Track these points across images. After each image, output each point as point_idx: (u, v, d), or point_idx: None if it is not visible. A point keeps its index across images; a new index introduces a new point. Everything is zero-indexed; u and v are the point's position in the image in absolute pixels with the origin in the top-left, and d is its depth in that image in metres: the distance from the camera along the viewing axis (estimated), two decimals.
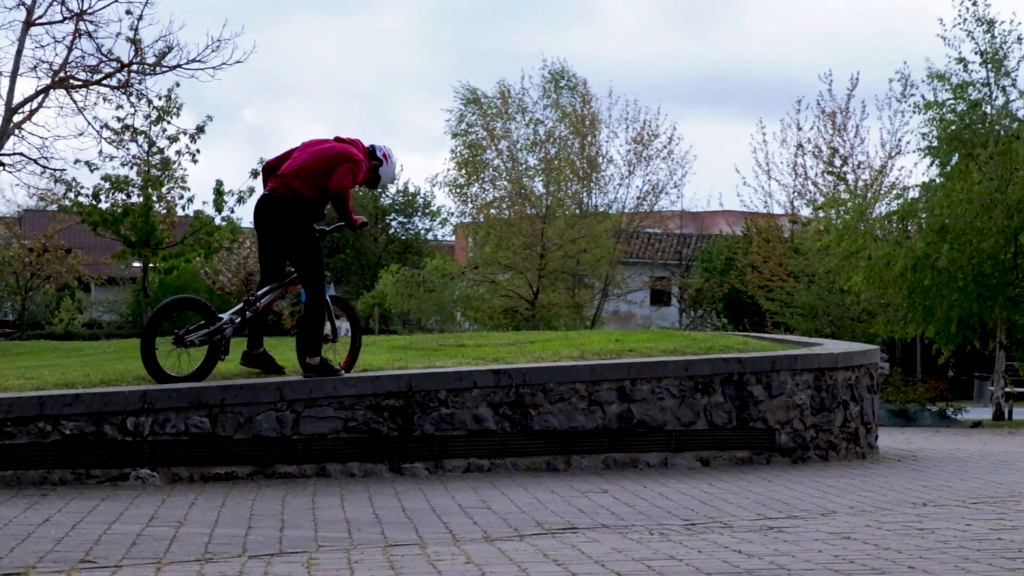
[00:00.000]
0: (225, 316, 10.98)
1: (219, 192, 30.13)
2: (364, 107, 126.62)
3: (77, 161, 29.18)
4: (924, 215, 28.34)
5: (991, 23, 28.33)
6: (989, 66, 28.33)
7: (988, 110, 28.32)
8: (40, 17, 26.13)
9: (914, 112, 29.08)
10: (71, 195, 29.31)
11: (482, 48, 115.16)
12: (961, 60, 28.24)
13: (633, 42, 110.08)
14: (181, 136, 29.55)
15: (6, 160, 26.59)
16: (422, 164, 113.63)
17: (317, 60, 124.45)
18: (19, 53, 25.93)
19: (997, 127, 28.09)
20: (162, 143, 29.58)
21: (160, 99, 29.00)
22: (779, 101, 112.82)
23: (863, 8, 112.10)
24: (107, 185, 29.15)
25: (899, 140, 40.98)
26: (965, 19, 28.38)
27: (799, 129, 42.41)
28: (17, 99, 26.46)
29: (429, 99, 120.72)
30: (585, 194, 45.19)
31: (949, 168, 28.38)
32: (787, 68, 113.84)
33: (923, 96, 28.68)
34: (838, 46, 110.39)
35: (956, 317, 28.21)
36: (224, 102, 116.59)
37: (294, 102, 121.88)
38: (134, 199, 29.39)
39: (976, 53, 28.39)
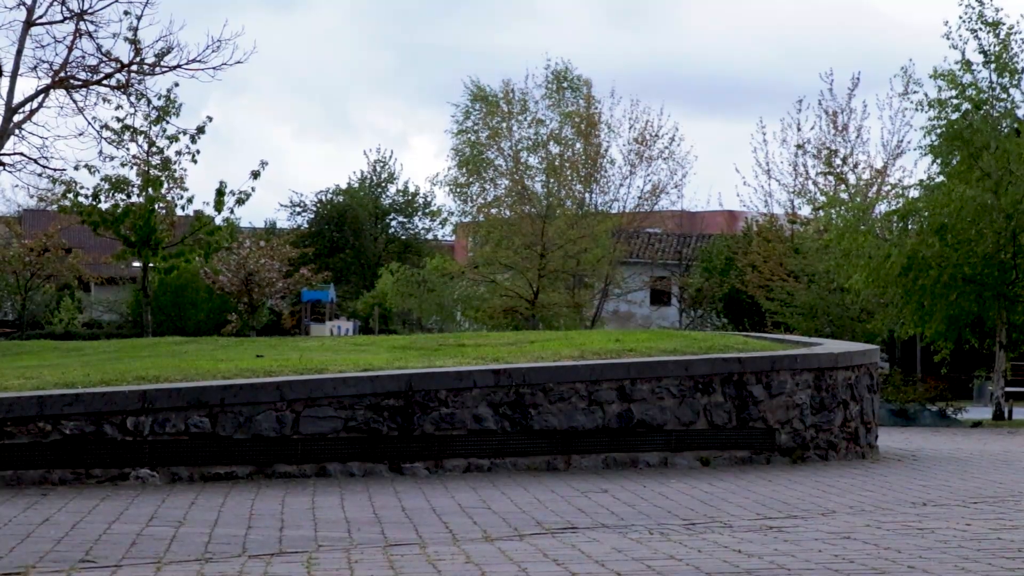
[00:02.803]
0: None
1: (220, 192, 30.13)
2: (323, 105, 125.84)
3: (77, 166, 29.18)
4: (925, 213, 28.35)
5: (997, 24, 28.32)
6: (992, 67, 28.34)
7: (990, 110, 28.31)
8: (40, 17, 26.14)
9: (917, 109, 29.06)
10: (71, 195, 29.30)
11: (425, 45, 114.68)
12: (966, 63, 28.23)
13: (574, 37, 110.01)
14: (181, 136, 29.53)
15: (6, 160, 26.61)
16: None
17: (268, 57, 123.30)
18: (19, 53, 25.94)
19: (1001, 127, 28.08)
20: (162, 143, 29.57)
21: (160, 99, 28.99)
22: (730, 97, 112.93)
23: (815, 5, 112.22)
24: (107, 186, 29.15)
25: (899, 141, 41.04)
26: (971, 18, 28.37)
27: (798, 130, 42.49)
28: (17, 99, 26.47)
29: (379, 97, 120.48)
30: (587, 194, 45.23)
31: (950, 168, 28.40)
32: (731, 64, 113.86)
33: (926, 94, 28.66)
34: (786, 42, 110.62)
35: (954, 316, 28.26)
36: (189, 102, 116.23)
37: (248, 100, 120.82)
38: (134, 199, 29.38)
39: (979, 52, 28.39)
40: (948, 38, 28.55)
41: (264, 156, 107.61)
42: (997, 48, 28.33)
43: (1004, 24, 28.40)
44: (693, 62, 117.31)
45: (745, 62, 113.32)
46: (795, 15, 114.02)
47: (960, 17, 28.52)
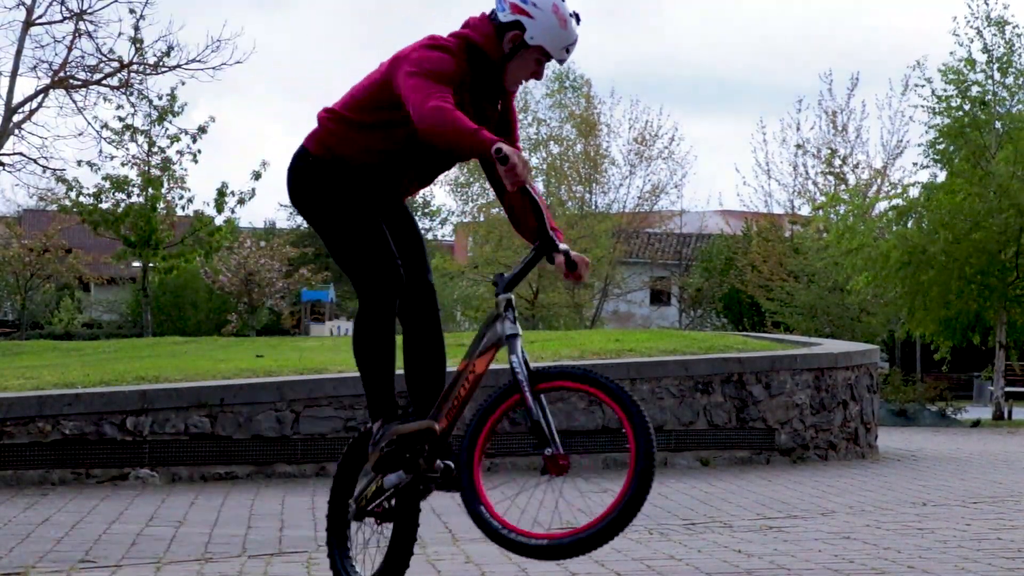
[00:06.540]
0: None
1: (221, 193, 30.15)
2: (314, 105, 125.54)
3: (80, 162, 29.25)
4: (923, 211, 28.37)
5: (1003, 24, 28.32)
6: (995, 66, 28.35)
7: (994, 109, 28.32)
8: (40, 17, 26.18)
9: (923, 108, 29.02)
10: (71, 195, 29.33)
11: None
12: (970, 61, 28.23)
13: None
14: (182, 136, 29.54)
15: (6, 160, 26.64)
16: None
17: (258, 56, 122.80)
18: (19, 53, 25.98)
19: (1001, 125, 28.10)
20: (163, 143, 29.58)
21: (161, 99, 29.00)
22: (724, 97, 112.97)
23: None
24: (107, 185, 29.17)
25: (899, 141, 41.08)
26: (976, 17, 28.39)
27: (798, 129, 42.65)
28: (17, 99, 26.51)
29: None
30: (587, 194, 45.27)
31: (953, 166, 28.42)
32: (724, 64, 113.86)
33: (933, 90, 28.61)
34: (779, 41, 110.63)
35: (954, 315, 28.31)
36: (182, 101, 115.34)
37: (239, 99, 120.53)
38: (134, 199, 29.41)
39: (983, 51, 28.39)
40: (956, 35, 28.60)
41: (256, 155, 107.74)
42: (1002, 48, 28.34)
43: (1009, 24, 28.41)
44: (682, 62, 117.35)
45: (737, 62, 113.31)
46: (787, 14, 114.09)
47: (965, 17, 28.57)
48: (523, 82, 5.49)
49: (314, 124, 5.55)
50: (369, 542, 5.64)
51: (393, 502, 5.55)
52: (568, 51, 5.39)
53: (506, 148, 4.91)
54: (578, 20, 5.38)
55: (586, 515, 8.22)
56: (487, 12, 5.40)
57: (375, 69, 5.47)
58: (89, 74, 26.58)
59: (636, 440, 5.07)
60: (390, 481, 5.43)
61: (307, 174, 5.45)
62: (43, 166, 27.29)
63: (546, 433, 5.28)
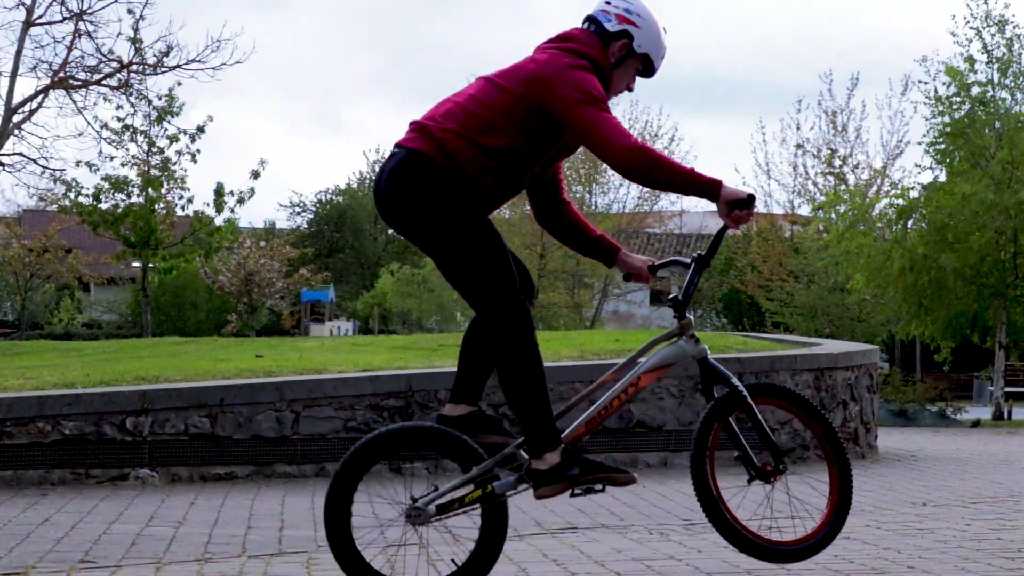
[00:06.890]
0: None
1: (219, 193, 30.15)
2: (312, 104, 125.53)
3: (79, 163, 29.26)
4: (924, 211, 28.37)
5: (1003, 23, 28.32)
6: (995, 66, 28.36)
7: (994, 109, 28.33)
8: (40, 17, 26.19)
9: (926, 103, 29.00)
10: (71, 195, 29.34)
11: (413, 45, 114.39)
12: (969, 60, 28.23)
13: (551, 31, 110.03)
14: (181, 136, 29.55)
15: (6, 160, 26.64)
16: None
17: (256, 55, 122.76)
18: (19, 53, 25.99)
19: (1000, 125, 28.10)
20: (162, 143, 29.59)
21: (160, 99, 29.01)
22: (719, 97, 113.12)
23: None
24: (107, 185, 29.18)
25: (899, 141, 41.07)
26: (976, 16, 28.40)
27: (798, 129, 42.63)
28: (17, 99, 26.52)
29: (369, 96, 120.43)
30: (587, 194, 45.25)
31: (953, 166, 28.43)
32: (720, 64, 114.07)
33: (936, 88, 28.62)
34: (776, 41, 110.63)
35: (954, 316, 28.31)
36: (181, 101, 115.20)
37: (237, 99, 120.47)
38: (134, 199, 29.43)
39: (983, 52, 28.40)
40: (954, 35, 28.62)
41: (255, 155, 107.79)
42: (1002, 48, 28.34)
43: (1010, 23, 28.42)
44: (682, 62, 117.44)
45: (737, 62, 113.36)
46: (787, 14, 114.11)
47: (965, 17, 28.57)
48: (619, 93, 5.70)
49: (400, 132, 5.35)
50: (394, 544, 5.85)
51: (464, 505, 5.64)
52: (662, 60, 5.66)
53: (751, 192, 5.26)
54: (665, 32, 5.67)
55: (585, 515, 8.22)
56: (584, 26, 5.54)
57: (484, 85, 5.33)
58: (89, 74, 26.61)
59: (839, 472, 6.31)
60: (504, 487, 5.60)
61: (436, 184, 5.23)
62: (43, 166, 27.31)
63: (779, 447, 6.16)
